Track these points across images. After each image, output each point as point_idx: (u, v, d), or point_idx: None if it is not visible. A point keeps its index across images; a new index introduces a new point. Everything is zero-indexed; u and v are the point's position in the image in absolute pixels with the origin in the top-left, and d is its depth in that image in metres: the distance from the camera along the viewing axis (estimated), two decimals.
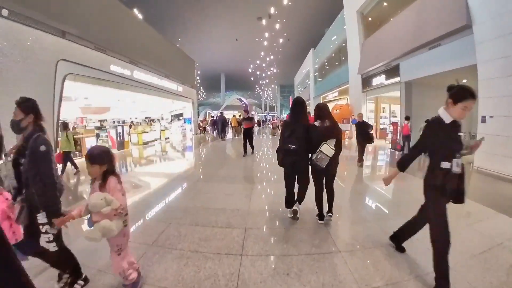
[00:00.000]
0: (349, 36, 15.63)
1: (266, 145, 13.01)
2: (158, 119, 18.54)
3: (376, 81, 12.55)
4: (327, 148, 2.85)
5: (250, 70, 48.06)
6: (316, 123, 3.11)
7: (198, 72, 51.47)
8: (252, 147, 9.14)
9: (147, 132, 13.90)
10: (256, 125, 19.63)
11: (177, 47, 18.69)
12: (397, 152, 10.09)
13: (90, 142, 9.61)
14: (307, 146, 3.04)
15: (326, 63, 22.01)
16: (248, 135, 9.05)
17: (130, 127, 13.71)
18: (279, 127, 17.29)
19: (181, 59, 17.85)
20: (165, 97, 15.28)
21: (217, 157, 9.81)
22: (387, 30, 11.43)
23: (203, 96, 72.99)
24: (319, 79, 24.42)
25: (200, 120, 24.28)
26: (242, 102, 45.55)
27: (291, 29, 33.23)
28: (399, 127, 10.71)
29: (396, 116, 15.51)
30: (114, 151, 10.80)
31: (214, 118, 33.59)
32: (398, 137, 10.51)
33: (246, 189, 4.91)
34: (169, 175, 6.85)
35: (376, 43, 12.42)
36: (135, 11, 19.25)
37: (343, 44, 17.37)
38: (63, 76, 7.71)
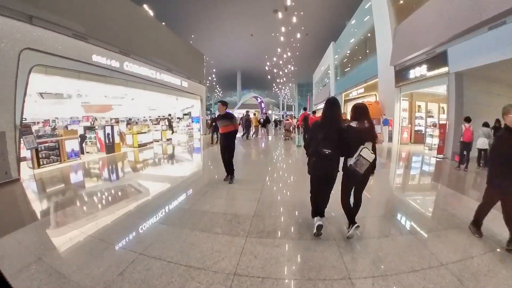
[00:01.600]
0: (378, 23, 13.36)
1: (281, 156, 9.64)
2: (162, 119, 17.14)
3: (414, 73, 10.26)
4: (367, 153, 2.63)
5: (266, 68, 46.28)
6: (353, 124, 2.85)
7: (214, 70, 51.00)
8: (232, 170, 5.33)
9: (144, 132, 12.50)
10: (262, 126, 17.55)
11: (182, 39, 17.17)
12: (447, 162, 7.88)
13: (71, 145, 8.27)
14: (341, 150, 2.84)
15: (348, 57, 19.65)
16: (227, 148, 5.22)
17: (127, 127, 12.43)
18: (296, 128, 15.27)
19: (186, 51, 16.37)
20: (167, 93, 13.84)
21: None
22: (429, 9, 9.15)
23: (220, 94, 72.53)
24: (340, 76, 22.07)
25: (211, 118, 22.74)
26: (260, 101, 43.65)
27: (309, 23, 30.97)
28: (448, 130, 8.47)
29: (432, 116, 13.11)
30: (101, 155, 9.48)
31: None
32: (451, 143, 8.30)
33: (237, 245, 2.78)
34: (142, 206, 4.21)
35: (414, 27, 10.15)
36: (145, 7, 18.34)
37: (369, 34, 15.12)
38: (29, 68, 6.40)
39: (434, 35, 8.82)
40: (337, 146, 2.80)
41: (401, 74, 11.31)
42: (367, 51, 15.94)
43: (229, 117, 5.18)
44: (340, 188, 2.97)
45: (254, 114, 17.23)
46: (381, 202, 4.43)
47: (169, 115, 18.83)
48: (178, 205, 4.19)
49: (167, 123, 15.86)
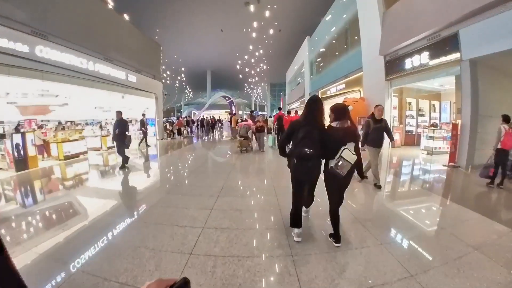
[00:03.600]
0: (362, 9, 11.60)
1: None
2: (98, 122, 13.65)
3: (411, 62, 8.49)
4: (348, 154, 2.48)
5: (238, 67, 43.94)
6: (334, 124, 2.72)
7: (183, 69, 47.39)
8: None
9: (75, 140, 9.40)
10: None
11: (129, 23, 13.97)
12: (461, 172, 6.06)
13: None
14: (322, 151, 2.63)
15: (326, 51, 17.91)
16: None
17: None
18: (271, 130, 13.02)
19: (135, 39, 13.23)
20: (106, 89, 10.77)
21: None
22: None
23: (191, 96, 68.79)
24: (316, 72, 20.33)
25: (169, 122, 19.73)
26: (229, 100, 40.95)
27: (282, 18, 29.18)
28: (461, 132, 6.70)
29: (423, 115, 11.63)
30: (9, 173, 6.47)
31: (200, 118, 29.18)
32: (465, 148, 6.50)
33: None
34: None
35: (410, 9, 8.41)
36: None
37: (350, 24, 13.45)
38: None
39: (438, 15, 7.07)
40: (319, 146, 2.59)
41: (393, 65, 9.55)
42: (348, 43, 14.24)
43: None
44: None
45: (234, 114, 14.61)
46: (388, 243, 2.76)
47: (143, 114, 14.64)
48: None
49: (139, 126, 12.59)
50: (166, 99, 67.90)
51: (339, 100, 14.97)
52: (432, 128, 9.13)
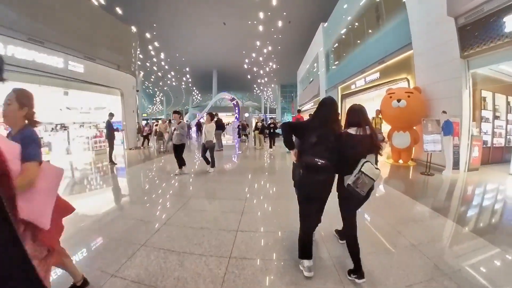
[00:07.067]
0: None
1: None
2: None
3: None
4: (370, 168, 2.00)
5: (245, 66, 40.46)
6: (351, 131, 2.18)
7: (187, 69, 44.42)
8: None
9: None
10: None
11: None
12: None
13: None
14: (339, 163, 2.16)
15: (349, 32, 13.76)
16: None
17: None
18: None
19: (85, 15, 9.78)
20: (33, 82, 7.36)
21: None
22: None
23: (199, 98, 66.37)
24: (335, 63, 16.27)
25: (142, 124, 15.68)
26: (233, 101, 37.19)
27: (291, 7, 25.28)
28: None
29: (499, 117, 7.53)
30: None
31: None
32: None
33: None
34: None
35: None
36: None
37: None
38: None
39: None
40: (335, 156, 2.15)
41: (474, 31, 5.52)
42: (381, 14, 10.23)
43: None
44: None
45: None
46: None
47: (110, 114, 10.54)
48: None
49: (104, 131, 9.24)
50: (175, 101, 66.01)
51: (370, 97, 10.96)
52: None
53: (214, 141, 6.58)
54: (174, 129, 6.16)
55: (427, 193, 4.75)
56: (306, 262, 2.22)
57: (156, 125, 13.06)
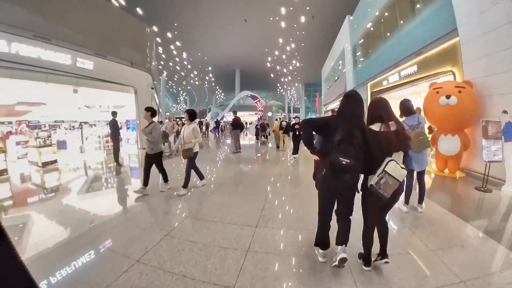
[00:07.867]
0: None
1: None
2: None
3: None
4: (396, 168, 1.83)
5: (268, 65, 39.68)
6: (375, 127, 2.01)
7: (210, 68, 44.60)
8: None
9: None
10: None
11: None
12: None
13: None
14: (366, 162, 2.00)
15: (379, 23, 12.29)
16: None
17: None
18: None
19: (95, 9, 9.55)
20: (40, 80, 7.18)
21: None
22: None
23: (222, 97, 66.90)
24: (363, 58, 14.84)
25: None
26: (256, 100, 36.48)
27: (315, 1, 23.86)
28: None
29: None
30: None
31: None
32: None
33: None
34: None
35: None
36: None
37: None
38: None
39: None
40: (362, 155, 1.97)
41: None
42: (416, 2, 8.86)
43: None
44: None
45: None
46: None
47: (113, 113, 9.48)
48: None
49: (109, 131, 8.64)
50: (198, 100, 67.10)
51: (406, 93, 9.64)
52: None
53: (197, 149, 4.77)
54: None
55: (486, 216, 3.63)
56: (321, 250, 2.32)
57: (178, 123, 12.51)
